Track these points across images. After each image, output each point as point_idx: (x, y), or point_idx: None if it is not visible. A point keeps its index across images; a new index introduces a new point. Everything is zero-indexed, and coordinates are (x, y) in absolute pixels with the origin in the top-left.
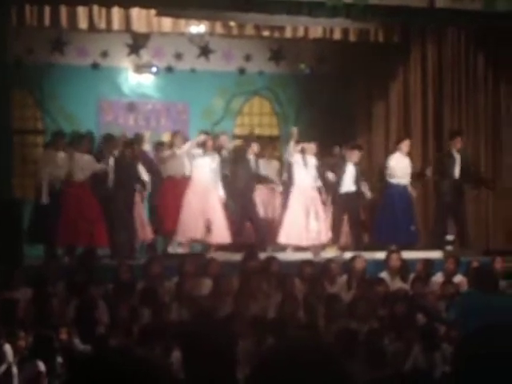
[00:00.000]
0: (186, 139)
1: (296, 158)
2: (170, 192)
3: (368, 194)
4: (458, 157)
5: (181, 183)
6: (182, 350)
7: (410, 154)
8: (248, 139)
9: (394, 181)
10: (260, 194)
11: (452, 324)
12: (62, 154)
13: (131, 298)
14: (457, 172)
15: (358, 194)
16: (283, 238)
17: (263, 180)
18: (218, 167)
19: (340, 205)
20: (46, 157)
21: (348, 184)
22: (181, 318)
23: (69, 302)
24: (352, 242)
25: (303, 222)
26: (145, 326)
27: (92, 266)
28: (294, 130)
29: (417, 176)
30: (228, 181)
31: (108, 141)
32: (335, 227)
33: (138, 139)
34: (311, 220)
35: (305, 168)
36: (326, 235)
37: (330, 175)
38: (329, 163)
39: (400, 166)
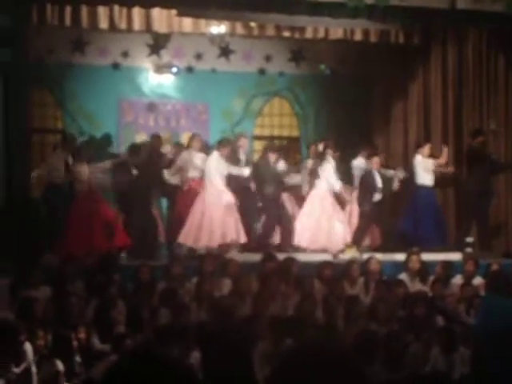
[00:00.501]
0: (203, 142)
1: (328, 164)
2: (188, 196)
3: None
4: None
5: (199, 186)
6: (202, 350)
7: (431, 156)
8: (272, 148)
9: (419, 183)
10: (285, 201)
11: (471, 326)
12: (69, 158)
13: (151, 298)
14: (485, 170)
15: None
16: (307, 241)
17: (289, 189)
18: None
19: (370, 213)
20: (54, 158)
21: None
22: (200, 318)
23: (88, 302)
24: (379, 244)
25: (328, 226)
26: (164, 326)
27: (112, 266)
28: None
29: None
30: (255, 189)
31: (133, 151)
32: (360, 230)
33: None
34: (335, 223)
35: (332, 173)
36: (347, 237)
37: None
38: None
39: (425, 169)
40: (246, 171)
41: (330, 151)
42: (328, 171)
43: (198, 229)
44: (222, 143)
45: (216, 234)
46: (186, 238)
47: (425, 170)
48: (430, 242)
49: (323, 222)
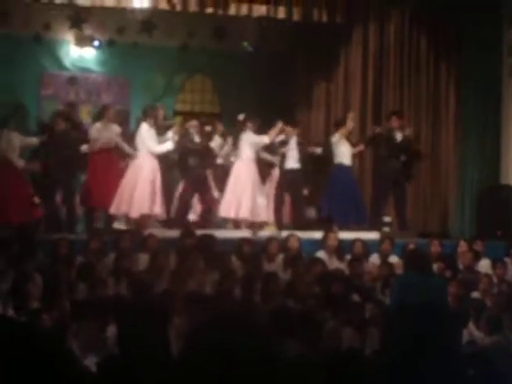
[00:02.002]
0: (119, 113)
1: (245, 135)
2: (100, 165)
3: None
4: (398, 136)
5: (111, 155)
6: (118, 324)
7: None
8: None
9: (338, 162)
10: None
11: (385, 305)
12: None
13: (69, 272)
14: (400, 150)
15: (301, 170)
16: (233, 212)
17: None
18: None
19: (283, 182)
20: None
21: (292, 161)
22: (118, 293)
23: (4, 275)
24: (294, 220)
25: (251, 197)
26: (81, 300)
27: (30, 240)
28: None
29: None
30: (179, 159)
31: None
32: (277, 206)
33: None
34: (259, 195)
35: (250, 145)
36: (270, 212)
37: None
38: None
39: (343, 148)
40: (169, 145)
41: (249, 124)
42: (244, 141)
43: (131, 198)
44: (147, 113)
45: (144, 205)
46: (117, 208)
47: (343, 151)
48: (347, 220)
49: (247, 192)
